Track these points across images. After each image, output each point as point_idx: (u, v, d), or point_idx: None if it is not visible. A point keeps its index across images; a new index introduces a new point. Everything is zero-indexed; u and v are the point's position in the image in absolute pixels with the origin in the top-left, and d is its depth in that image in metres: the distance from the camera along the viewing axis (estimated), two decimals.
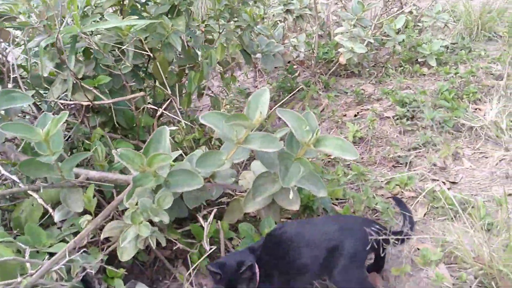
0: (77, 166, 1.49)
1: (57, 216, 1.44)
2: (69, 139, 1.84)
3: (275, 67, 3.09)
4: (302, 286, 1.52)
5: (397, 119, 2.57)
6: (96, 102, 1.75)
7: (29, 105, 1.74)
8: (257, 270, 1.38)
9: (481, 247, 1.52)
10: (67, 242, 1.36)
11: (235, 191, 1.83)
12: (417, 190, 2.04)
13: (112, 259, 1.47)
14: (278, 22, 3.26)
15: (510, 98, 2.57)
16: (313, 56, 3.10)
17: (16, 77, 1.75)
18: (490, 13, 3.57)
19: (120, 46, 1.81)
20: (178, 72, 2.25)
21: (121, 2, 2.05)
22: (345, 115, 2.77)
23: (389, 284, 1.59)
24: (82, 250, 1.29)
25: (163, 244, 1.40)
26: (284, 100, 2.66)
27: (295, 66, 3.24)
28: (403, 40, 3.16)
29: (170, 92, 1.93)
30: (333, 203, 1.94)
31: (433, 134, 2.38)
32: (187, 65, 2.24)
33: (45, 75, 1.81)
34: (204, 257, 1.56)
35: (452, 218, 1.79)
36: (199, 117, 1.40)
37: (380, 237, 1.42)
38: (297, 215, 1.87)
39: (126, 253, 1.34)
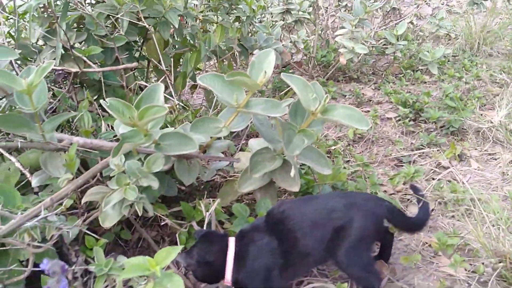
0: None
1: (34, 181, 1.29)
2: (55, 111, 1.71)
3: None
4: (305, 271, 1.38)
5: (399, 119, 2.47)
6: (85, 70, 1.63)
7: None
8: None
9: (498, 241, 1.41)
10: None
11: (228, 173, 1.71)
12: (423, 187, 1.92)
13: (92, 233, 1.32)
14: (276, 21, 3.20)
15: None
16: (312, 57, 3.02)
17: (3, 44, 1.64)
18: (490, 32, 3.54)
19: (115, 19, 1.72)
20: (174, 55, 2.15)
21: None
22: None
23: (395, 276, 1.45)
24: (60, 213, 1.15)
25: (151, 213, 1.25)
26: None
27: (291, 70, 3.16)
28: (404, 46, 3.09)
29: (165, 69, 1.82)
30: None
31: (437, 134, 2.29)
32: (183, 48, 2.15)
33: (34, 41, 1.69)
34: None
35: (462, 214, 1.68)
36: (197, 79, 1.29)
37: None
38: None
39: (108, 220, 1.19)
